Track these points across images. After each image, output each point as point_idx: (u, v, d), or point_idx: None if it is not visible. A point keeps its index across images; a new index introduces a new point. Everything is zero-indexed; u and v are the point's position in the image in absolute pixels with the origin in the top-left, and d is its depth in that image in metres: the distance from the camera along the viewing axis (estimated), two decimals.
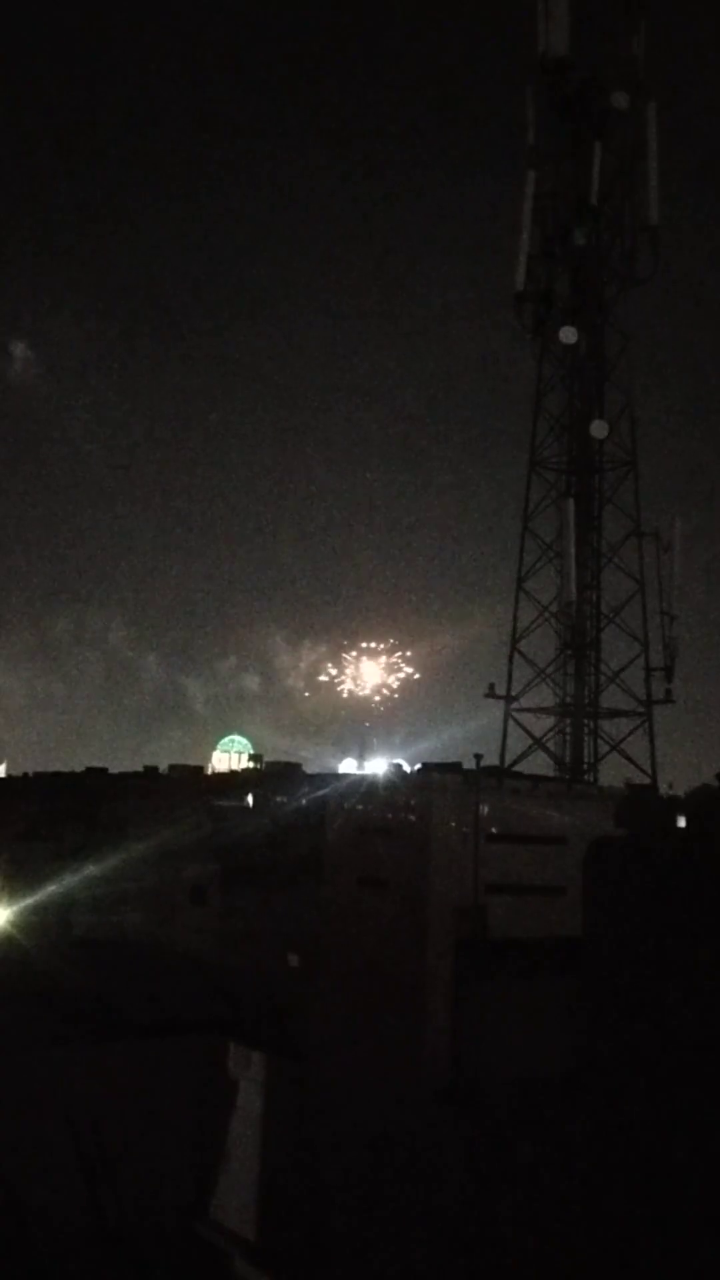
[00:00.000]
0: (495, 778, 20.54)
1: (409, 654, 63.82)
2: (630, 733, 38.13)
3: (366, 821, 19.08)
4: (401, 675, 63.76)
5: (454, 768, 20.67)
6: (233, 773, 43.30)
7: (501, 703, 38.46)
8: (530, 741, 38.30)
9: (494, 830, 18.51)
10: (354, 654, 64.23)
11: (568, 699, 38.12)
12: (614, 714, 38.36)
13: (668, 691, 37.61)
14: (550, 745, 38.29)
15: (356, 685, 63.51)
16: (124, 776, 34.20)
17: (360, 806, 19.35)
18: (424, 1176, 16.31)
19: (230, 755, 66.34)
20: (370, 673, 63.60)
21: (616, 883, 15.09)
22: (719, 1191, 13.05)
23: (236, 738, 69.72)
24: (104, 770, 35.33)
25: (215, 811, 27.09)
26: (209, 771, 45.91)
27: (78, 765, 36.95)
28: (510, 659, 38.76)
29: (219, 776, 41.40)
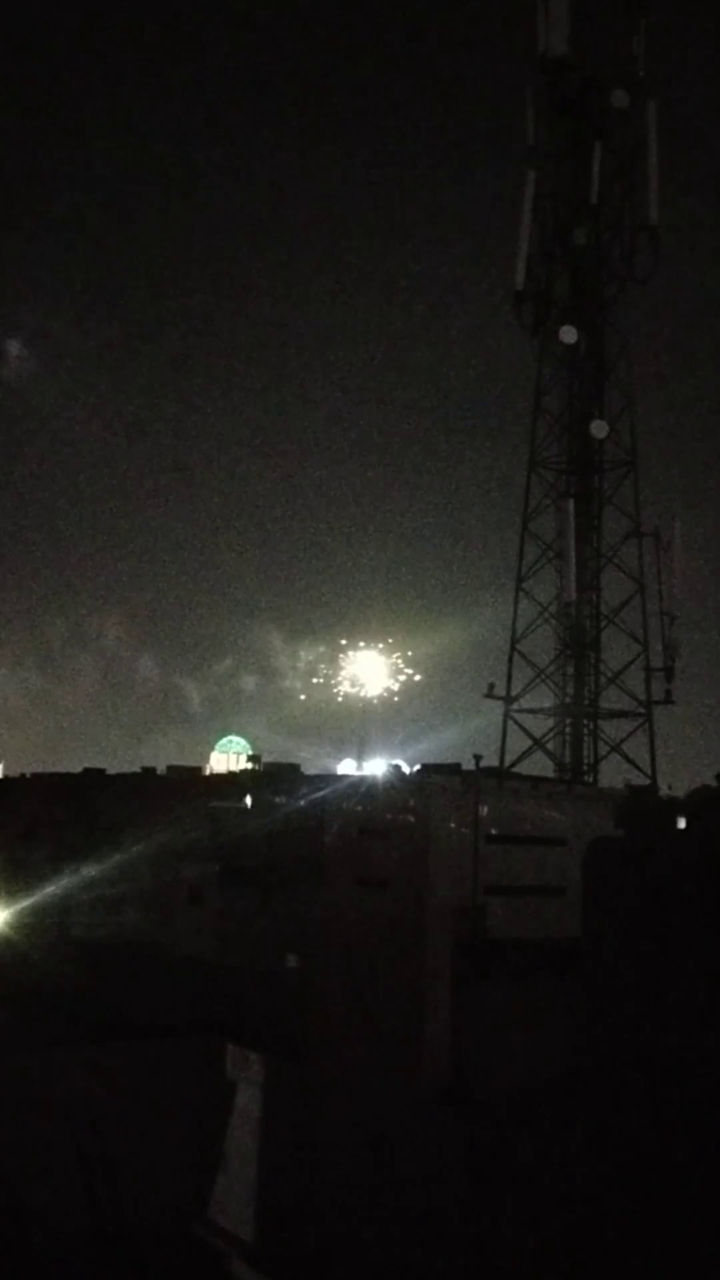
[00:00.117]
0: (495, 779, 20.52)
1: (408, 654, 63.74)
2: (630, 734, 38.17)
3: (366, 823, 19.06)
4: (401, 675, 63.70)
5: (453, 769, 20.67)
6: (231, 774, 43.20)
7: (501, 703, 38.48)
8: (530, 742, 38.33)
9: (493, 831, 18.50)
10: (353, 654, 64.12)
11: (567, 700, 38.12)
12: (614, 715, 38.37)
13: (668, 692, 37.63)
14: (550, 746, 38.31)
15: (355, 686, 63.43)
16: (122, 777, 34.13)
17: (359, 808, 19.33)
18: (423, 1177, 16.28)
19: (229, 756, 66.28)
20: (369, 673, 63.49)
21: (616, 884, 15.06)
22: (718, 1192, 13.03)
23: (235, 738, 69.69)
24: (102, 771, 35.26)
25: (214, 812, 27.04)
26: (207, 772, 45.83)
27: (75, 766, 36.90)
28: (510, 659, 38.80)
29: (217, 777, 41.30)
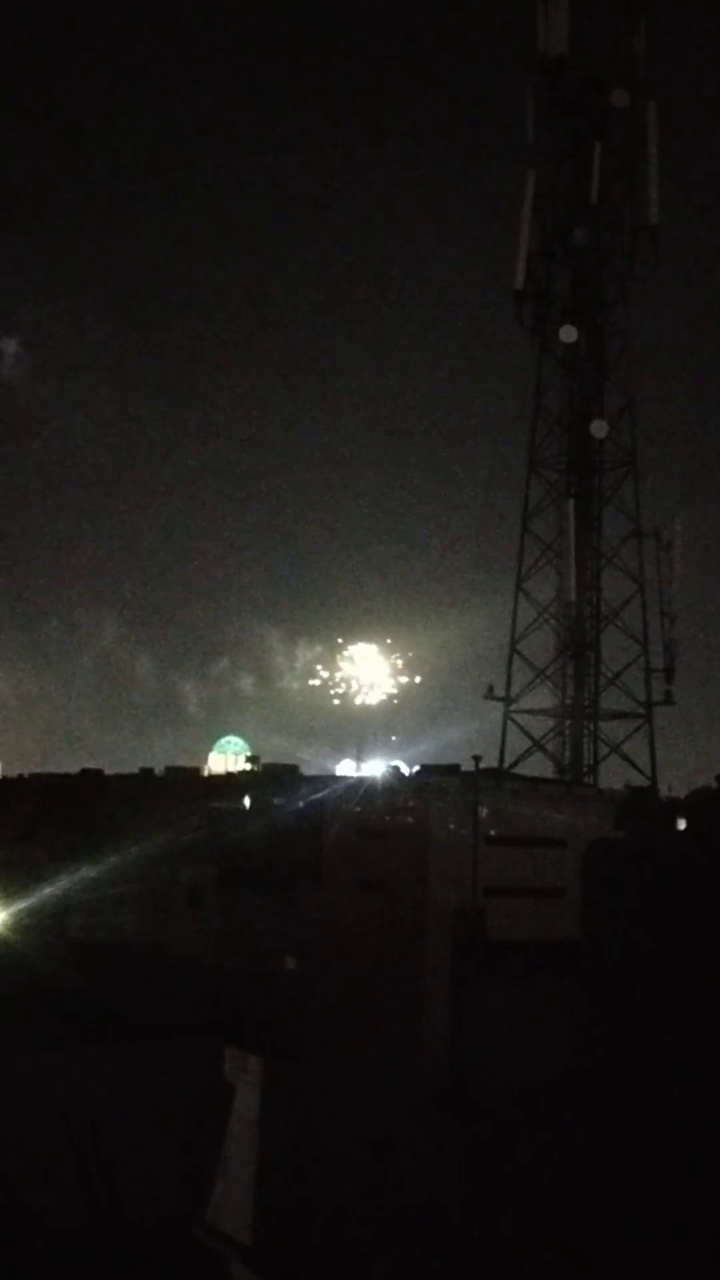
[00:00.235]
0: (494, 780, 20.47)
1: (408, 654, 63.61)
2: (630, 734, 38.08)
3: (365, 824, 19.02)
4: (400, 676, 63.57)
5: (453, 770, 20.63)
6: (230, 775, 43.12)
7: (500, 704, 38.39)
8: (530, 743, 38.25)
9: (493, 832, 18.43)
10: (351, 654, 64.00)
11: (567, 700, 38.04)
12: (614, 715, 38.30)
13: (668, 693, 37.56)
14: (550, 747, 38.23)
15: (353, 686, 63.32)
16: (120, 778, 34.17)
17: (359, 809, 19.29)
18: (423, 1179, 16.24)
19: (227, 757, 66.12)
20: (368, 673, 63.38)
21: (615, 885, 15.04)
22: (718, 1193, 13.00)
23: (233, 739, 69.43)
24: (100, 772, 35.29)
25: (212, 813, 27.03)
26: (205, 773, 45.77)
27: (73, 767, 36.90)
28: (509, 660, 38.71)
29: (216, 778, 41.28)
